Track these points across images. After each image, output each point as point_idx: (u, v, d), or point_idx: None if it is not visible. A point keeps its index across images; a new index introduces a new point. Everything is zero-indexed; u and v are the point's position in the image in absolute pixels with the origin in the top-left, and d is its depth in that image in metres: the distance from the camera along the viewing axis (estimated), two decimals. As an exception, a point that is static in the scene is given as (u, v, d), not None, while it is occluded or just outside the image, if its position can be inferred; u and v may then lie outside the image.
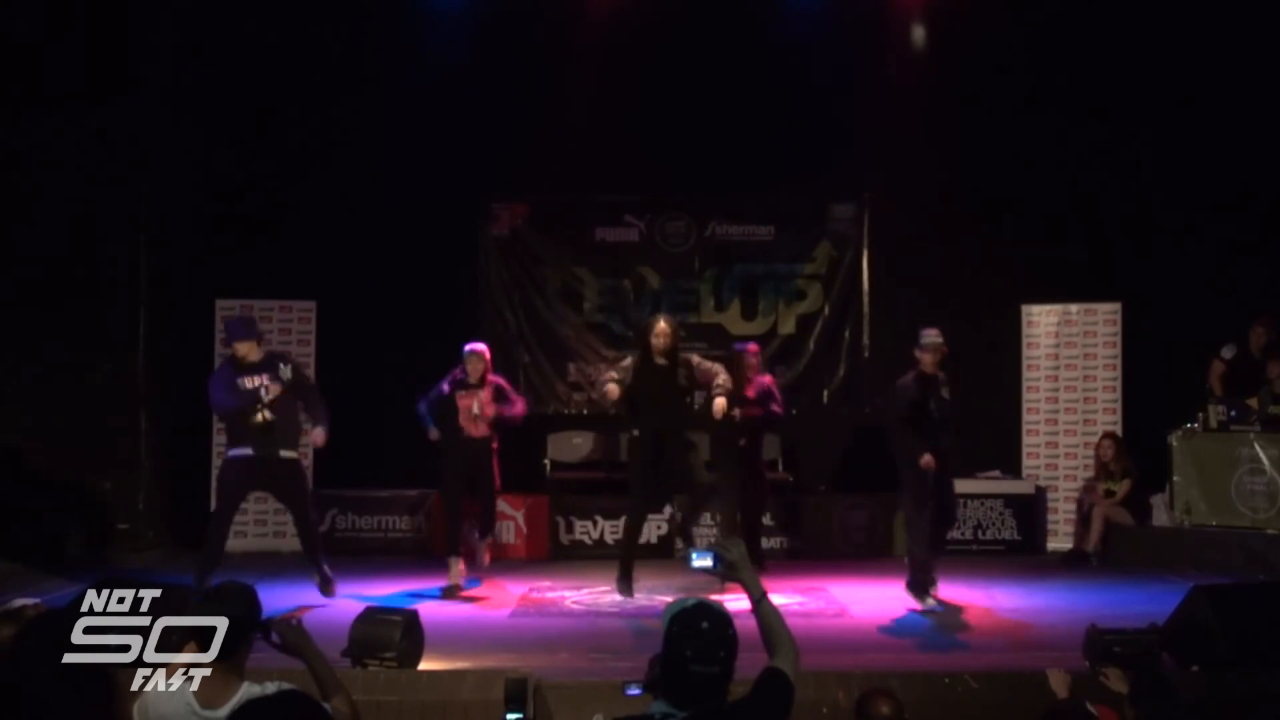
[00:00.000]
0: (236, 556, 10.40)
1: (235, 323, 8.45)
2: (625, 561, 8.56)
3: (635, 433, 8.57)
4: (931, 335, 8.11)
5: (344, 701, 3.66)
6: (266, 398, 7.85)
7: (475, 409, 8.84)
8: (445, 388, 8.91)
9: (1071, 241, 10.98)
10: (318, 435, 8.18)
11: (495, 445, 9.01)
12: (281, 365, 8.04)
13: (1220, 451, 9.76)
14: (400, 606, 6.46)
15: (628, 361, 8.69)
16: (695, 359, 8.68)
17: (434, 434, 9.03)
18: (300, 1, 10.88)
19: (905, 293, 11.45)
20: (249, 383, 7.91)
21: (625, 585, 8.44)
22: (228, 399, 7.95)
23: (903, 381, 8.10)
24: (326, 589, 8.18)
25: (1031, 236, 11.02)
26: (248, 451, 7.95)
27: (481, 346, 9.05)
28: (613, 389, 8.30)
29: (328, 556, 8.34)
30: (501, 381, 9.19)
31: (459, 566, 8.86)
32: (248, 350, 7.98)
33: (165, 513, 10.49)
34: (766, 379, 9.76)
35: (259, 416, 7.84)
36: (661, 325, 8.36)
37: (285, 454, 8.03)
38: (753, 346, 9.84)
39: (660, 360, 8.34)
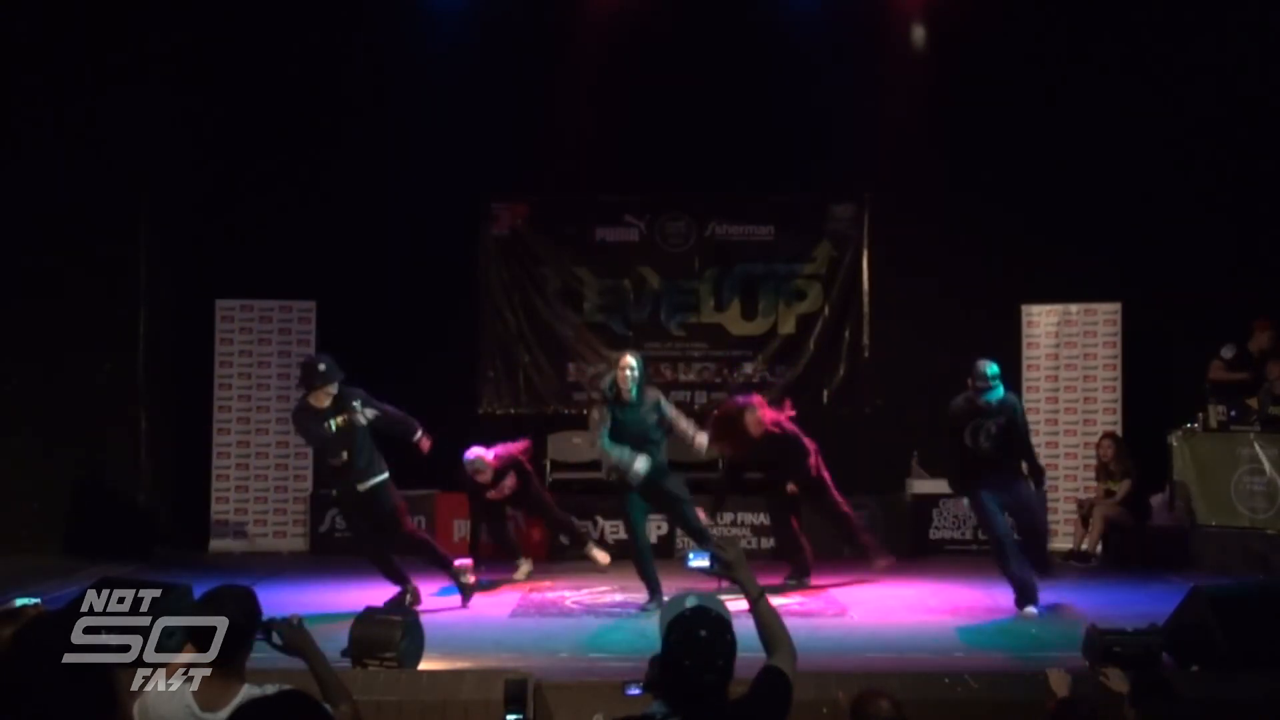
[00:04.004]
0: (236, 556, 10.44)
1: (304, 368, 8.33)
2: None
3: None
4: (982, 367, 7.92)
5: (349, 710, 3.66)
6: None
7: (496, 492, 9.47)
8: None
9: (1071, 241, 10.96)
10: (424, 443, 8.37)
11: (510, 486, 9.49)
12: (356, 405, 7.97)
13: (1220, 451, 9.76)
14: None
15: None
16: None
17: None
18: (301, 1, 10.88)
19: (905, 293, 11.46)
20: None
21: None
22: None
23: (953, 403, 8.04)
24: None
25: (1031, 236, 11.00)
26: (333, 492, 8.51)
27: (490, 459, 9.32)
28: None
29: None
30: (516, 456, 9.55)
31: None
32: (318, 399, 7.96)
33: (165, 513, 10.50)
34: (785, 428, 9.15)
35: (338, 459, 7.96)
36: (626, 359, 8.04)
37: (362, 486, 8.05)
38: (756, 399, 9.26)
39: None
